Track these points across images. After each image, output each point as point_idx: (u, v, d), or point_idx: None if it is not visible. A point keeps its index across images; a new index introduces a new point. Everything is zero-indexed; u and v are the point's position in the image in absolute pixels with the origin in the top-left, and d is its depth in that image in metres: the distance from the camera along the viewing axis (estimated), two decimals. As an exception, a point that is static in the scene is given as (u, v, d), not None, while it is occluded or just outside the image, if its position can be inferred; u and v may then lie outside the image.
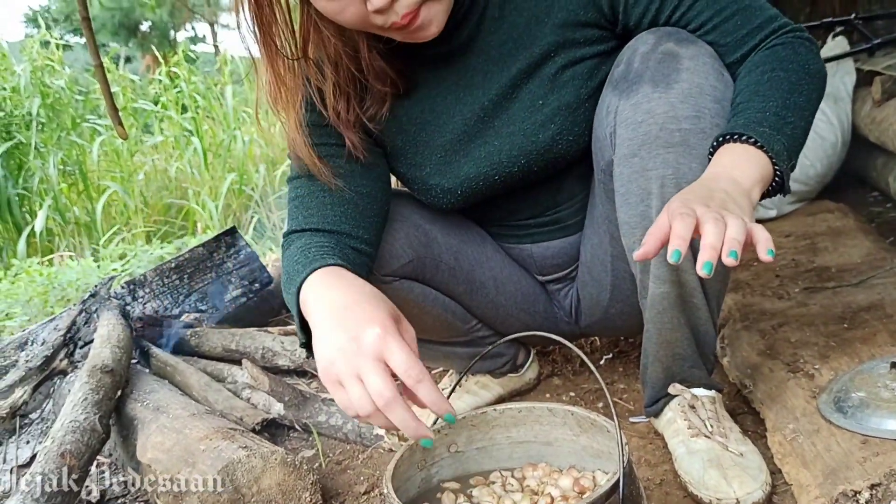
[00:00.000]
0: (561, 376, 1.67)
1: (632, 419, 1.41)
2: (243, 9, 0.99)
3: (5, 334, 3.22)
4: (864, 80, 2.54)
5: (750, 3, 1.03)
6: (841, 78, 2.52)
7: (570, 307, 1.42)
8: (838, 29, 2.72)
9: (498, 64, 1.14)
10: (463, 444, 1.03)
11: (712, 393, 1.22)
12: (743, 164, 0.90)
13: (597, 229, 1.25)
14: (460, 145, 1.19)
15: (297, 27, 1.06)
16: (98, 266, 4.26)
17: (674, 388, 1.21)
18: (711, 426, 1.17)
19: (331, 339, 0.86)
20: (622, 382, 1.60)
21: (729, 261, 0.78)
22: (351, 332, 0.85)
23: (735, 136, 0.91)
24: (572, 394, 1.59)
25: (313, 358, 0.93)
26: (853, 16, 2.69)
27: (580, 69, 1.11)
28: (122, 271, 4.05)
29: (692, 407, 1.19)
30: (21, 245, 5.21)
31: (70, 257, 4.88)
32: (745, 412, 1.38)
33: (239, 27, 1.00)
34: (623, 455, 0.80)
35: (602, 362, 1.71)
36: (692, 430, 1.16)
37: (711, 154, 0.94)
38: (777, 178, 0.92)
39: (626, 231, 1.09)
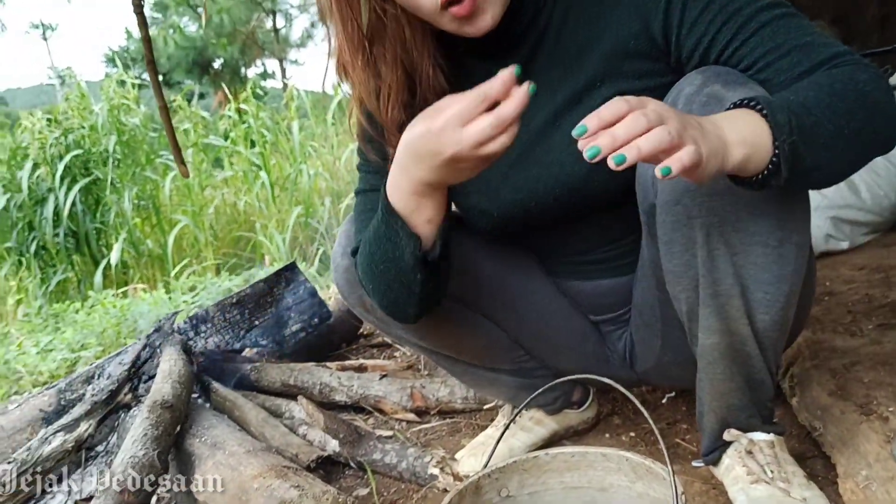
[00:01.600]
0: (621, 415, 1.63)
1: (693, 463, 1.36)
2: None
3: (80, 364, 3.33)
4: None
5: (812, 40, 0.95)
6: (914, 103, 2.42)
7: (623, 351, 1.38)
8: (911, 53, 2.63)
9: (547, 89, 1.11)
10: (514, 489, 1.01)
11: (770, 436, 1.16)
12: (737, 122, 0.82)
13: (645, 272, 1.21)
14: (502, 169, 1.16)
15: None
16: (170, 298, 4.38)
17: (729, 434, 1.16)
18: (772, 471, 1.11)
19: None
20: (685, 422, 1.55)
21: (611, 162, 0.73)
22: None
23: (744, 102, 0.85)
24: (632, 434, 1.54)
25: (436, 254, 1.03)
26: (927, 39, 2.60)
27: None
28: (192, 304, 4.15)
29: (749, 452, 1.14)
30: (97, 277, 5.41)
31: (143, 290, 5.03)
32: (816, 456, 1.31)
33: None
34: (678, 506, 0.77)
35: (664, 400, 1.66)
36: (752, 477, 1.11)
37: None
38: (774, 160, 0.82)
39: (672, 280, 1.05)
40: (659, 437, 0.81)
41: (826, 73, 0.91)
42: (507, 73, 0.84)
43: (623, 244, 1.25)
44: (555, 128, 1.13)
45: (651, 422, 0.84)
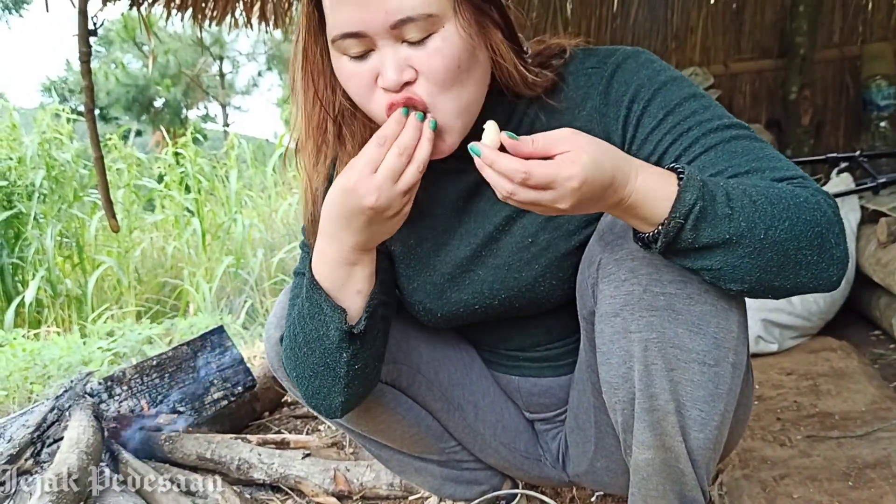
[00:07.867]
0: (549, 513, 1.59)
1: (622, 572, 1.33)
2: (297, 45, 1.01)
3: (-18, 407, 3.11)
4: (868, 217, 2.54)
5: (760, 165, 0.93)
6: (845, 214, 2.51)
7: (557, 452, 1.35)
8: (842, 165, 2.73)
9: None
10: None
11: None
12: (653, 179, 0.84)
13: (582, 376, 1.19)
14: (450, 268, 1.15)
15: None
16: (84, 343, 4.19)
17: None
18: None
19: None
20: (613, 524, 1.52)
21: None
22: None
23: (675, 168, 0.86)
24: (561, 535, 1.50)
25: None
26: (858, 153, 2.71)
27: (578, 214, 1.03)
28: (107, 350, 3.97)
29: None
30: (9, 315, 5.13)
31: (56, 332, 4.79)
32: (744, 573, 1.30)
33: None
34: None
35: (594, 499, 1.63)
36: None
37: None
38: (659, 228, 0.84)
39: (608, 390, 1.03)
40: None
41: (772, 182, 0.89)
42: (398, 114, 0.91)
43: (565, 344, 1.24)
44: (505, 232, 1.12)
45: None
